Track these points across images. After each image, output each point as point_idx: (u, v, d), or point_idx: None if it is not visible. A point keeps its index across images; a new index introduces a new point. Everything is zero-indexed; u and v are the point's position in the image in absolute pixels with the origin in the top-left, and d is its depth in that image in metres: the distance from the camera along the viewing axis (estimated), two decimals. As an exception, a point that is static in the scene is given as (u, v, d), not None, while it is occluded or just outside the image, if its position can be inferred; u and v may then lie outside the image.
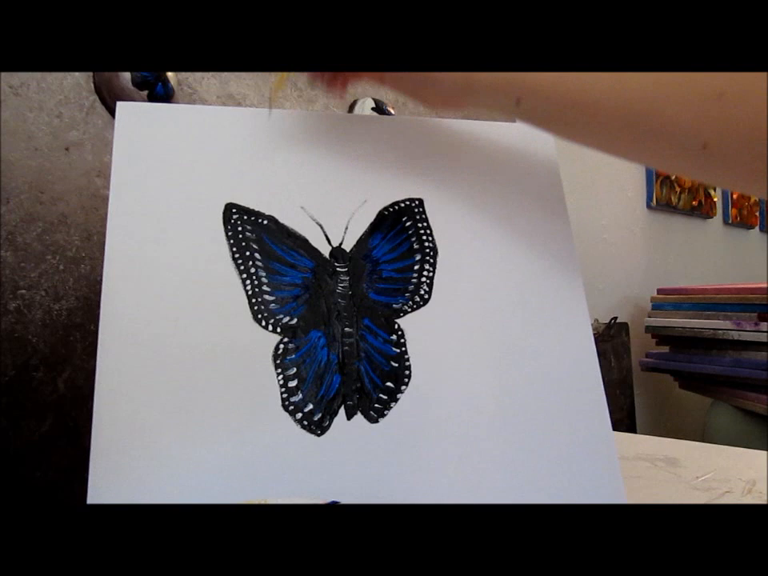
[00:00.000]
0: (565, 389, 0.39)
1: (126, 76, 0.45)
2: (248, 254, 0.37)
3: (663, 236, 1.49)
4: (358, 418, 0.36)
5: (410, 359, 0.38)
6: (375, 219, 0.40)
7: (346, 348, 0.37)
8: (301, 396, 0.35)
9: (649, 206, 1.43)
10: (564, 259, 0.43)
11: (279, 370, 0.35)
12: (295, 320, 0.37)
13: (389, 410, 0.36)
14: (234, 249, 0.37)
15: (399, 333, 0.38)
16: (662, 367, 1.22)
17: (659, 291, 1.23)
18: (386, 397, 0.36)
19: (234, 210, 0.37)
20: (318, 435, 0.35)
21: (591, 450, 0.37)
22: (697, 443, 0.68)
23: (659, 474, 0.57)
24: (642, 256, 1.42)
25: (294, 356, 0.36)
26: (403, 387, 0.37)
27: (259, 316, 0.36)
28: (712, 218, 1.67)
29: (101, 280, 0.34)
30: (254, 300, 0.36)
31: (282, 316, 0.36)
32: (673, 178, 1.45)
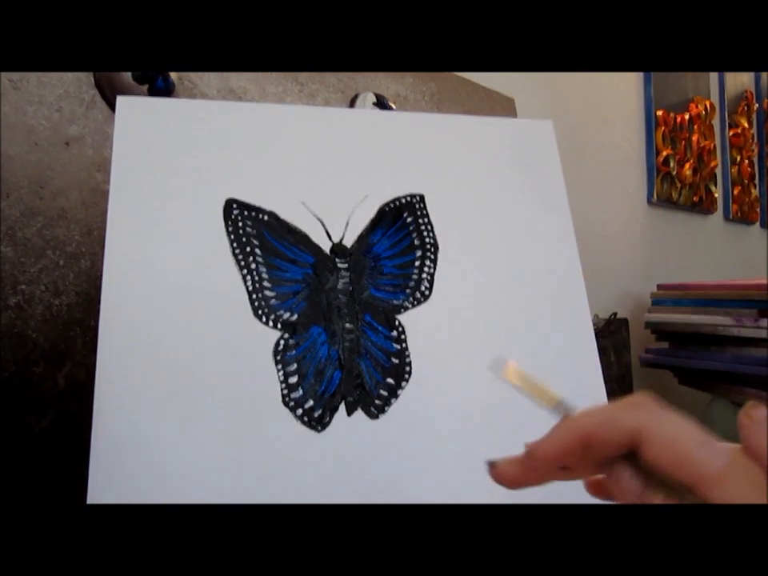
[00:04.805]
0: (566, 385, 0.38)
1: (126, 70, 0.45)
2: (248, 249, 0.37)
3: (664, 232, 1.49)
4: (359, 414, 0.36)
5: (411, 355, 0.38)
6: (376, 215, 0.40)
7: (347, 344, 0.37)
8: (301, 392, 0.35)
9: (649, 202, 1.42)
10: (564, 255, 0.43)
11: (280, 366, 0.35)
12: (296, 316, 0.37)
13: (389, 406, 0.36)
14: (235, 244, 0.37)
15: (400, 329, 0.38)
16: (661, 363, 1.22)
17: (659, 287, 1.22)
18: (386, 393, 0.36)
19: (234, 206, 0.37)
20: (319, 431, 0.35)
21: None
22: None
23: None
24: (643, 252, 1.42)
25: (294, 352, 0.36)
26: (404, 383, 0.37)
27: (260, 312, 0.36)
28: (713, 213, 1.67)
29: (101, 275, 0.34)
30: (254, 296, 0.36)
31: (282, 312, 0.36)
32: (674, 173, 1.45)
